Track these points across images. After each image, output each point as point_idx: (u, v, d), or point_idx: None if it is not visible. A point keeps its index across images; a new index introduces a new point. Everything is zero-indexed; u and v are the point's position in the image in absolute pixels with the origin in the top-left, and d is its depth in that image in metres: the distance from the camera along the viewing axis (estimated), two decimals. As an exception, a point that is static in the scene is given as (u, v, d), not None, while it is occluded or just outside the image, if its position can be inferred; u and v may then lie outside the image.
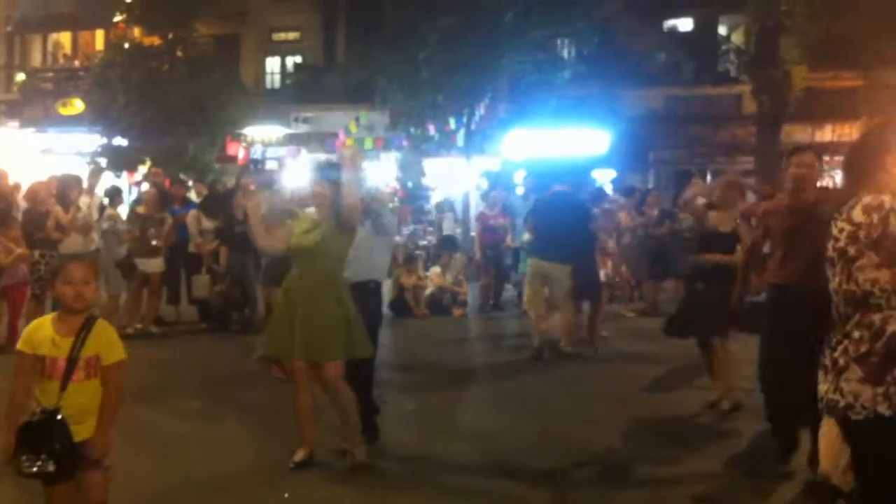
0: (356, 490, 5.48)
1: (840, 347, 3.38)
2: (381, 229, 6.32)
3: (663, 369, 9.14)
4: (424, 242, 18.73)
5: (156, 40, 24.47)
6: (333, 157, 17.30)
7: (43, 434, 3.63)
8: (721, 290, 7.04)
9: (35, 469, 3.63)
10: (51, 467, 3.62)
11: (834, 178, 7.73)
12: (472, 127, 21.94)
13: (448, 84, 20.98)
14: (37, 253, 9.67)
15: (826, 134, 22.70)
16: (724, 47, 24.14)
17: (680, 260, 12.06)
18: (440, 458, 5.88)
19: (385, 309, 8.52)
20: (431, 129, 21.90)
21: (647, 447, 6.54)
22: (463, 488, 5.66)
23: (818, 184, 6.07)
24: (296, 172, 17.22)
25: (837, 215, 3.43)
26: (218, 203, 12.31)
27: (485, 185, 18.84)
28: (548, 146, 22.35)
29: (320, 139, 24.40)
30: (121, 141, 23.87)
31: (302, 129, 26.41)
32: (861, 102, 20.74)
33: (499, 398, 8.24)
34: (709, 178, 19.88)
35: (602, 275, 11.42)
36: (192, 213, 12.04)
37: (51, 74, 30.00)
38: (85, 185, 11.26)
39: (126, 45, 24.66)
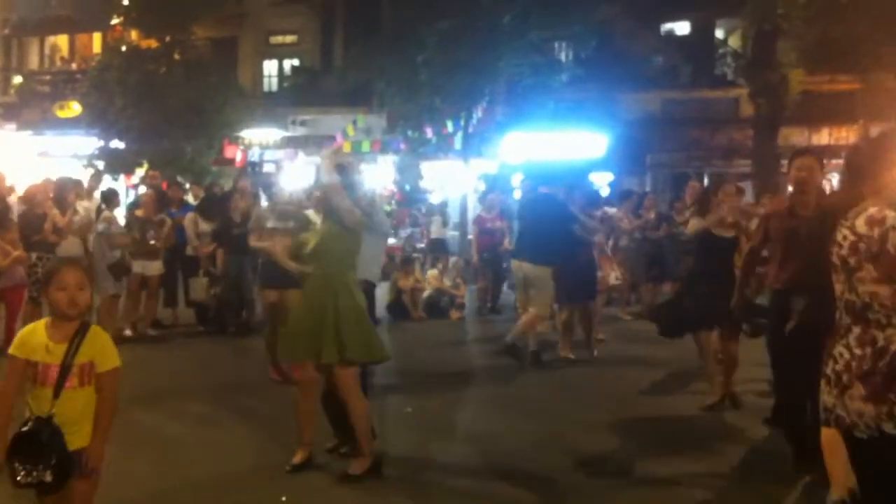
0: (354, 492, 5.47)
1: (842, 360, 3.37)
2: (371, 229, 6.32)
3: (661, 372, 9.14)
4: (421, 245, 18.74)
5: (153, 43, 24.46)
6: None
7: (37, 444, 3.58)
8: (719, 289, 7.05)
9: (30, 479, 3.58)
10: (48, 477, 3.57)
11: (832, 180, 7.73)
12: (470, 130, 21.93)
13: (446, 87, 20.97)
14: (34, 255, 9.65)
15: (823, 137, 22.72)
16: (721, 51, 24.15)
17: (678, 263, 12.13)
18: (438, 461, 5.87)
19: (382, 311, 8.52)
20: (429, 132, 21.90)
21: (645, 450, 6.53)
22: (461, 490, 5.65)
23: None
24: (294, 175, 17.25)
25: (843, 221, 3.41)
26: (215, 205, 12.30)
27: (482, 187, 18.85)
28: (545, 149, 22.36)
29: (318, 142, 24.36)
30: (118, 144, 23.85)
31: (299, 132, 26.41)
32: (858, 106, 20.77)
33: (497, 401, 8.23)
34: (706, 181, 19.89)
35: (613, 278, 11.42)
36: (190, 215, 12.04)
37: (48, 77, 30.01)
38: (86, 188, 11.26)
39: (123, 48, 24.66)
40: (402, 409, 7.58)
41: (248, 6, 27.78)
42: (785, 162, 6.58)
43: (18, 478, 3.59)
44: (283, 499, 5.33)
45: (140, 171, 22.54)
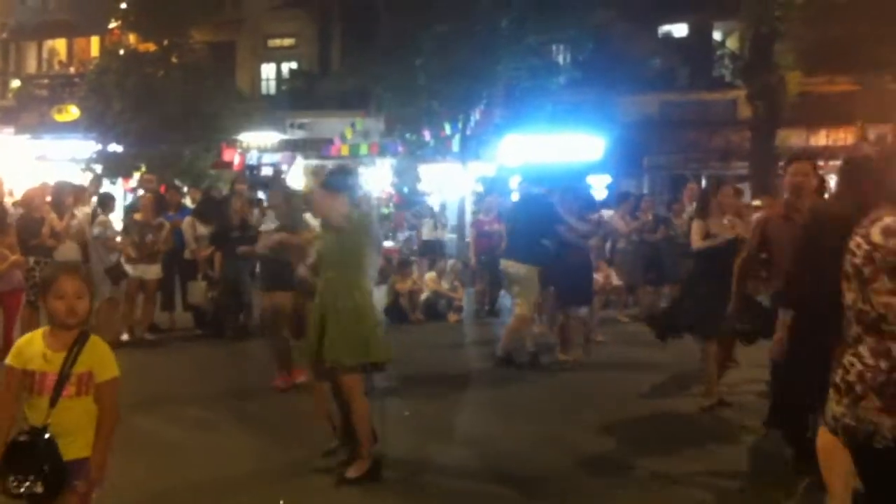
0: (353, 494, 5.47)
1: (854, 370, 3.34)
2: (372, 227, 6.33)
3: (659, 374, 9.14)
4: (416, 248, 18.72)
5: (151, 47, 24.48)
6: (329, 164, 17.33)
7: (30, 454, 3.52)
8: (719, 291, 7.05)
9: (23, 490, 3.50)
10: (38, 488, 3.50)
11: (828, 182, 7.72)
12: (468, 133, 21.96)
13: (443, 90, 20.99)
14: (32, 260, 9.64)
15: (821, 139, 22.74)
16: (718, 52, 24.19)
17: (676, 266, 12.12)
18: (437, 463, 5.87)
19: (380, 314, 8.48)
20: (427, 135, 21.92)
21: (643, 451, 6.53)
22: (460, 492, 5.65)
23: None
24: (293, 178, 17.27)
25: (857, 229, 3.38)
26: (212, 209, 12.30)
27: (480, 190, 18.85)
28: (543, 152, 22.38)
29: (316, 145, 24.43)
30: (116, 147, 23.86)
31: (297, 135, 26.44)
32: (856, 107, 20.78)
33: (495, 403, 8.24)
34: (703, 183, 19.89)
35: (614, 279, 11.39)
36: (188, 219, 12.03)
37: (46, 81, 30.05)
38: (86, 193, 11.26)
39: (121, 52, 24.69)
40: (401, 411, 7.57)
41: (246, 10, 27.83)
42: (783, 164, 6.59)
43: (10, 488, 3.52)
44: (281, 502, 5.32)
45: (138, 175, 22.54)
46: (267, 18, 27.76)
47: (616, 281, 13.63)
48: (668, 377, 9.02)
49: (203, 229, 11.78)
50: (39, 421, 3.57)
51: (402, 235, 18.69)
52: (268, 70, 29.16)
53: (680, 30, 25.76)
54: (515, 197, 15.91)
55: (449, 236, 19.75)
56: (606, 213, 13.97)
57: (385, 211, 20.50)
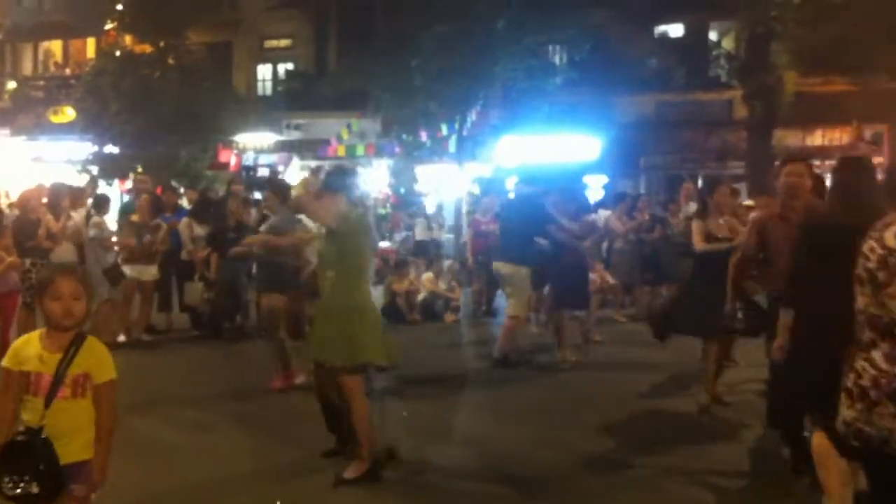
0: (350, 495, 5.47)
1: (867, 375, 3.29)
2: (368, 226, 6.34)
3: (657, 374, 9.13)
4: (430, 248, 18.71)
5: (147, 48, 24.47)
6: (326, 165, 17.35)
7: (26, 454, 3.50)
8: (718, 290, 7.06)
9: (18, 490, 3.47)
10: (34, 489, 3.47)
11: (826, 181, 7.72)
12: (465, 133, 21.96)
13: (440, 91, 20.99)
14: (28, 261, 9.62)
15: (817, 138, 22.78)
16: (714, 53, 24.19)
17: (673, 265, 12.12)
18: (435, 463, 5.87)
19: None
20: (423, 136, 21.91)
21: (642, 451, 6.53)
22: (459, 493, 5.65)
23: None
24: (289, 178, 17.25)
25: (871, 232, 3.36)
26: (208, 209, 12.30)
27: (477, 191, 18.84)
28: (540, 152, 22.38)
29: (312, 146, 24.43)
30: (112, 149, 23.85)
31: (294, 136, 26.43)
32: (852, 107, 20.80)
33: (493, 403, 8.23)
34: (700, 183, 19.89)
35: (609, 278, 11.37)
36: (185, 220, 12.02)
37: (42, 82, 30.01)
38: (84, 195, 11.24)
39: (117, 53, 24.67)
40: (399, 411, 7.56)
41: (243, 11, 27.80)
42: (778, 164, 6.60)
43: (6, 489, 3.50)
44: (278, 503, 5.32)
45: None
46: (263, 19, 27.74)
47: (611, 280, 13.63)
48: (666, 377, 9.02)
49: (200, 230, 11.77)
50: (35, 422, 3.56)
51: (398, 236, 18.70)
52: (264, 71, 29.15)
53: (676, 30, 25.78)
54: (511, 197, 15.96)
55: (446, 236, 19.77)
56: (603, 214, 13.96)
57: (382, 211, 20.51)
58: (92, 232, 10.71)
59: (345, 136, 23.14)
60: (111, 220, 11.68)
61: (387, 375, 7.41)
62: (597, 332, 11.09)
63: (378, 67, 21.43)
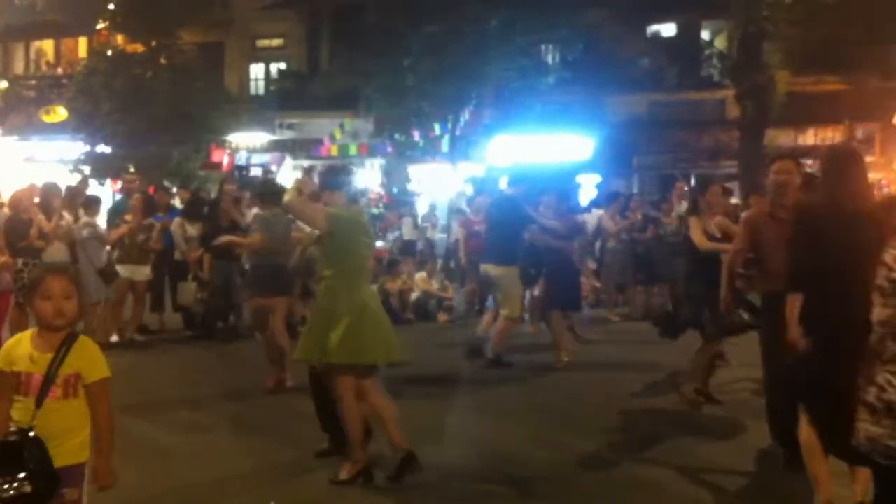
0: (346, 495, 5.47)
1: (893, 389, 3.25)
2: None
3: (650, 373, 9.14)
4: (418, 248, 18.70)
5: (139, 48, 24.41)
6: (319, 164, 17.33)
7: (18, 455, 3.43)
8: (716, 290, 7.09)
9: (11, 492, 3.41)
10: (27, 488, 3.40)
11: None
12: (457, 133, 21.97)
13: (433, 91, 20.99)
14: (20, 261, 9.59)
15: (809, 138, 22.83)
16: (707, 52, 24.25)
17: (666, 265, 12.13)
18: (429, 463, 5.84)
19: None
20: (416, 136, 21.91)
21: (637, 449, 6.56)
22: (455, 493, 5.64)
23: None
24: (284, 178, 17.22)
25: (893, 242, 3.29)
26: (200, 209, 12.29)
27: (470, 190, 18.86)
28: (533, 152, 22.39)
29: (305, 146, 24.40)
30: (104, 148, 23.79)
31: (287, 135, 26.41)
32: (844, 106, 20.88)
33: (488, 403, 8.22)
34: (692, 182, 19.93)
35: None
36: (177, 220, 11.99)
37: (33, 82, 29.93)
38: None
39: (109, 53, 24.61)
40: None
41: (235, 11, 27.76)
42: (768, 163, 6.62)
43: None
44: (272, 503, 5.31)
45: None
46: (255, 19, 27.70)
47: (597, 283, 13.70)
48: (660, 376, 9.02)
49: (192, 230, 11.75)
50: (26, 423, 3.51)
51: (391, 236, 18.69)
52: (256, 70, 29.11)
53: (668, 30, 25.82)
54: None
55: (439, 236, 19.76)
56: (596, 213, 13.99)
57: (375, 211, 20.49)
58: (85, 232, 10.68)
59: (337, 135, 23.12)
60: (101, 221, 11.62)
61: (381, 375, 7.40)
62: (591, 332, 11.09)
63: (370, 67, 21.43)
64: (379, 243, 16.84)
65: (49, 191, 10.82)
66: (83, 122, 23.84)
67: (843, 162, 4.79)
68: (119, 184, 22.39)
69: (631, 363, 9.85)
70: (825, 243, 4.52)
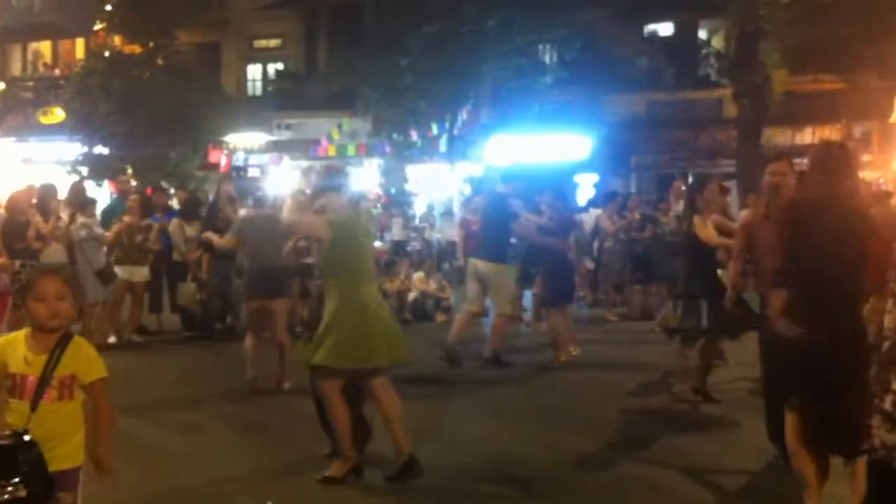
0: (343, 496, 5.47)
1: None
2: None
3: (648, 373, 9.15)
4: (408, 248, 18.72)
5: (136, 48, 24.37)
6: (318, 165, 17.29)
7: (12, 458, 3.38)
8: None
9: (6, 496, 3.35)
10: (22, 492, 3.35)
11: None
12: (455, 133, 21.96)
13: (430, 91, 20.99)
14: (17, 263, 9.59)
15: (807, 137, 22.82)
16: (704, 52, 24.22)
17: (664, 265, 12.15)
18: (426, 463, 5.84)
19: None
20: (414, 136, 21.91)
21: (634, 449, 6.56)
22: (453, 493, 5.64)
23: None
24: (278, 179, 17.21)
25: None
26: (197, 209, 12.29)
27: (468, 190, 18.87)
28: (530, 151, 22.39)
29: (303, 146, 24.39)
30: (102, 150, 23.76)
31: (284, 135, 26.39)
32: (841, 105, 20.89)
33: (485, 403, 8.22)
34: (690, 181, 19.93)
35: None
36: (175, 221, 11.98)
37: (31, 83, 29.87)
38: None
39: (106, 54, 24.57)
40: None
41: (232, 11, 27.76)
42: (763, 164, 6.64)
43: None
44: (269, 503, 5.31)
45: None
46: (253, 19, 27.69)
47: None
48: (657, 376, 9.02)
49: (191, 231, 11.74)
50: (20, 425, 3.45)
51: (388, 236, 18.70)
52: (254, 71, 29.11)
53: (666, 29, 25.82)
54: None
55: (437, 236, 19.78)
56: (594, 213, 14.00)
57: (374, 211, 20.50)
58: (83, 232, 10.67)
59: (335, 135, 23.13)
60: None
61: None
62: (589, 332, 11.09)
63: (368, 67, 21.43)
64: (377, 244, 16.85)
65: (46, 192, 10.81)
66: (80, 124, 23.80)
67: (832, 158, 4.80)
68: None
69: (629, 363, 9.86)
70: (813, 240, 4.53)
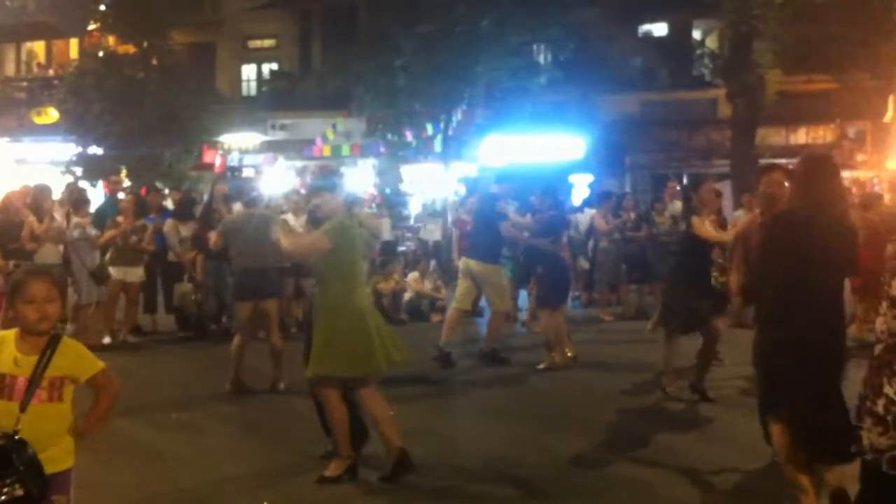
0: (340, 496, 5.47)
1: None
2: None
3: (643, 373, 9.13)
4: (403, 248, 18.72)
5: (130, 49, 24.35)
6: (312, 165, 17.32)
7: (5, 458, 3.35)
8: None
9: (3, 497, 3.34)
10: (18, 491, 3.33)
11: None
12: (450, 133, 21.95)
13: (425, 91, 20.97)
14: (11, 263, 9.58)
15: (800, 137, 22.92)
16: (698, 52, 24.30)
17: (659, 264, 12.16)
18: (421, 463, 5.85)
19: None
20: (409, 136, 21.91)
21: (629, 449, 6.56)
22: (451, 492, 5.65)
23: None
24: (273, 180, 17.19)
25: None
26: (191, 209, 12.27)
27: (462, 190, 18.85)
28: (525, 152, 22.41)
29: (297, 146, 24.37)
30: (96, 150, 23.72)
31: (279, 136, 26.38)
32: (835, 105, 20.97)
33: (481, 403, 8.24)
34: (685, 181, 19.97)
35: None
36: (170, 222, 11.97)
37: (24, 83, 29.85)
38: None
39: (100, 54, 24.54)
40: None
41: (226, 11, 27.74)
42: (763, 161, 6.68)
43: None
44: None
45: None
46: (247, 19, 27.68)
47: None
48: (653, 375, 9.03)
49: (185, 231, 11.73)
50: (10, 427, 3.41)
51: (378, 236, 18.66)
52: (248, 71, 29.10)
53: (660, 29, 25.88)
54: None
55: (420, 236, 19.76)
56: (589, 213, 14.01)
57: (369, 211, 20.48)
58: (76, 233, 10.66)
59: (330, 136, 23.10)
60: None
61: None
62: (584, 331, 11.10)
63: (362, 67, 21.41)
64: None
65: (40, 192, 10.80)
66: (74, 124, 23.76)
67: (815, 169, 4.84)
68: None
69: (624, 363, 9.86)
70: (792, 252, 4.57)
